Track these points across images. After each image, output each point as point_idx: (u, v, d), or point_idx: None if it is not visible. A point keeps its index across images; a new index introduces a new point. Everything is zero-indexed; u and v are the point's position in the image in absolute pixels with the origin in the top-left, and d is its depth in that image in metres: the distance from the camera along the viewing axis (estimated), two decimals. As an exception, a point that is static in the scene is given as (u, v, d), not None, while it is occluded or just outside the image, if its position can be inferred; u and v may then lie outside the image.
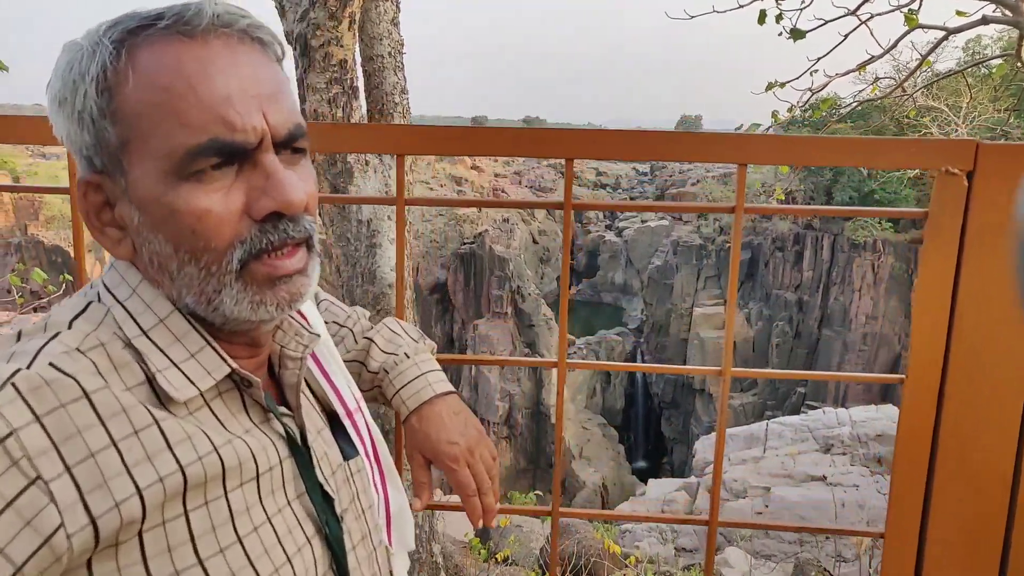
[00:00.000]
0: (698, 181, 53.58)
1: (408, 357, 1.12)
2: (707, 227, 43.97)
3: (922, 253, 1.23)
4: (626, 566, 6.69)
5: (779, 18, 5.31)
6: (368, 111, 3.33)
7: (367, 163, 3.14)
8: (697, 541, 21.15)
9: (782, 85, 6.06)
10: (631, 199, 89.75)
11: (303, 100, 3.05)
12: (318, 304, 1.16)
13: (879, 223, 34.25)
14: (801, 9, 5.23)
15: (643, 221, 67.26)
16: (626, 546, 23.20)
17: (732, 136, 1.23)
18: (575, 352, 46.11)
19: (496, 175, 75.17)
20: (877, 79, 15.38)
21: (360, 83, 3.23)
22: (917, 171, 34.45)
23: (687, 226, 45.87)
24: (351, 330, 1.16)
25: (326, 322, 1.13)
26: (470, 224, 46.03)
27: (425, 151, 1.32)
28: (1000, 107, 34.05)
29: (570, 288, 74.80)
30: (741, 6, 5.55)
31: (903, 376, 1.22)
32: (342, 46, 2.94)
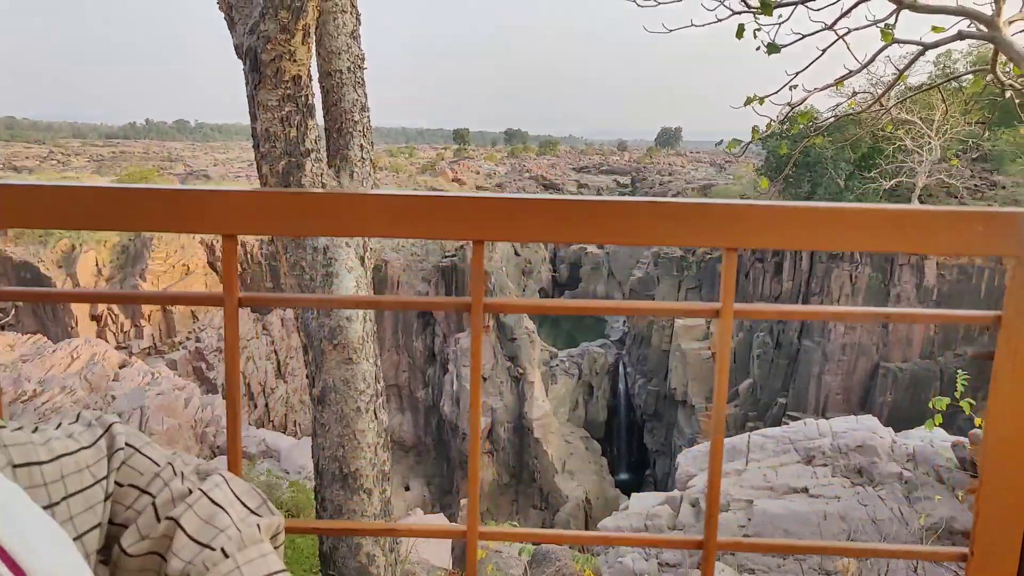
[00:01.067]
0: (678, 193, 53.76)
1: (227, 556, 0.71)
2: (687, 239, 44.01)
3: (993, 371, 0.90)
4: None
5: (756, 33, 5.25)
6: (326, 130, 3.11)
7: (323, 185, 2.91)
8: (681, 556, 20.95)
9: (761, 100, 6.00)
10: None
11: (253, 119, 2.81)
12: (111, 456, 0.76)
13: (857, 234, 34.48)
14: (779, 24, 5.14)
15: (624, 233, 67.41)
16: (609, 562, 22.90)
17: (716, 207, 0.89)
18: (557, 364, 45.96)
19: (478, 187, 75.13)
20: (855, 93, 15.48)
21: (318, 100, 3.00)
22: (893, 183, 34.72)
23: (668, 238, 45.89)
24: (154, 499, 0.75)
25: (120, 485, 0.76)
26: (451, 237, 45.75)
27: (257, 230, 0.88)
28: (971, 120, 34.65)
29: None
30: (719, 20, 5.47)
31: (966, 550, 0.91)
32: (296, 61, 2.72)
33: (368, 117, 3.13)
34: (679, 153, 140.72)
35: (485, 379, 38.85)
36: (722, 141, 6.39)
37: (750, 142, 6.70)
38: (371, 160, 3.11)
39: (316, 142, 2.88)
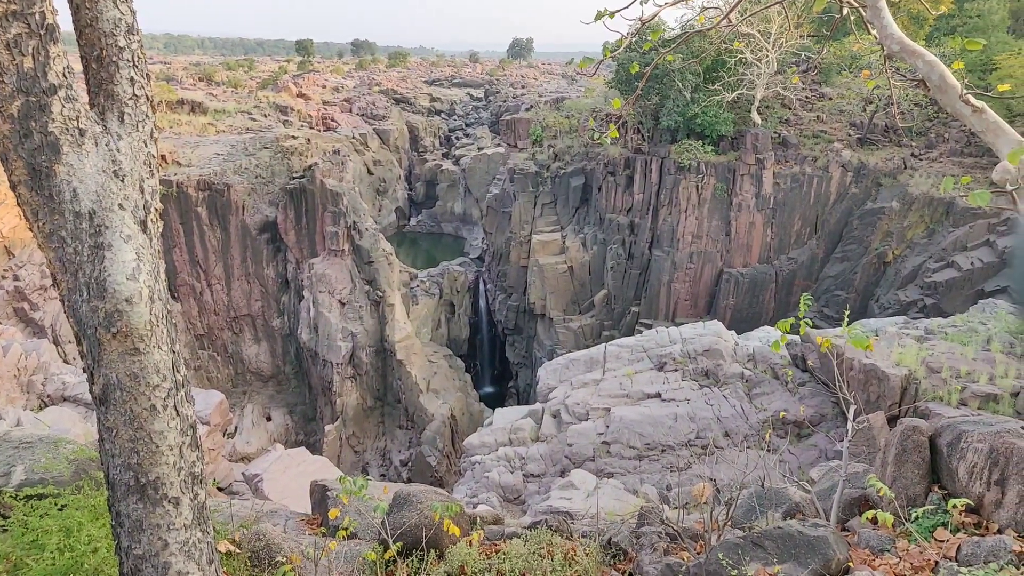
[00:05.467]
0: (531, 107, 53.50)
1: None
2: (542, 154, 44.16)
3: None
4: (470, 532, 6.44)
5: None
6: (83, 59, 2.40)
7: (82, 132, 2.25)
8: (544, 467, 21.79)
9: (612, 15, 5.78)
10: (467, 125, 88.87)
11: (-34, 43, 2.10)
12: None
13: (702, 145, 35.92)
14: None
15: (480, 148, 66.73)
16: (476, 477, 23.34)
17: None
18: (417, 285, 45.60)
19: (325, 103, 71.29)
20: (704, 9, 15.78)
21: (66, 20, 2.30)
22: (735, 95, 36.24)
23: (522, 153, 45.85)
24: None
25: None
26: (298, 157, 43.34)
27: None
28: (803, 32, 36.49)
29: (409, 219, 74.42)
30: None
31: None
32: (16, -38, 2.02)
33: (139, 42, 2.44)
34: (531, 65, 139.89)
35: (344, 304, 37.91)
36: (572, 60, 6.07)
37: (602, 60, 6.51)
38: (147, 97, 2.45)
39: (66, 75, 2.24)
